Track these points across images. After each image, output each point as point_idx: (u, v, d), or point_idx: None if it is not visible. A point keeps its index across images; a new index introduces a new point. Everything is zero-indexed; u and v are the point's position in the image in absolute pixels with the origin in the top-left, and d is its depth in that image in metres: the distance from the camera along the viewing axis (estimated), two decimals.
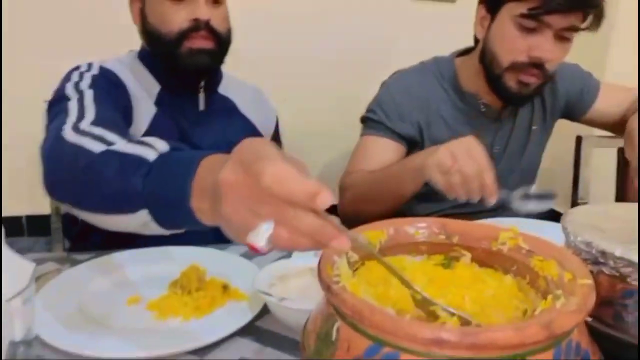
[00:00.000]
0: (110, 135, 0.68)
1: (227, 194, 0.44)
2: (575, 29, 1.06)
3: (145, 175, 0.57)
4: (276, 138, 1.29)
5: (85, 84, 0.95)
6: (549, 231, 0.99)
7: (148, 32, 1.07)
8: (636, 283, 0.51)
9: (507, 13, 1.08)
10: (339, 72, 2.52)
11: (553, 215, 3.08)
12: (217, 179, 0.45)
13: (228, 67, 1.18)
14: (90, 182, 0.63)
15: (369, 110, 1.25)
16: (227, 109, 1.19)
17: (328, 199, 0.40)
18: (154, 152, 0.59)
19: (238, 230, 0.45)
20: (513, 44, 1.08)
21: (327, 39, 2.46)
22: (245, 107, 1.22)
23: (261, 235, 0.42)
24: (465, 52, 1.25)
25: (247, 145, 0.45)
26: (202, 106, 1.13)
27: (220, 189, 0.44)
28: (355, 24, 2.47)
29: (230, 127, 1.16)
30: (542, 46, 1.06)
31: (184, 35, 1.02)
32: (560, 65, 1.26)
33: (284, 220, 0.42)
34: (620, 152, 1.46)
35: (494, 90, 1.16)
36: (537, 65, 1.08)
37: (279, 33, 2.39)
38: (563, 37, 1.07)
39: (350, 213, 1.15)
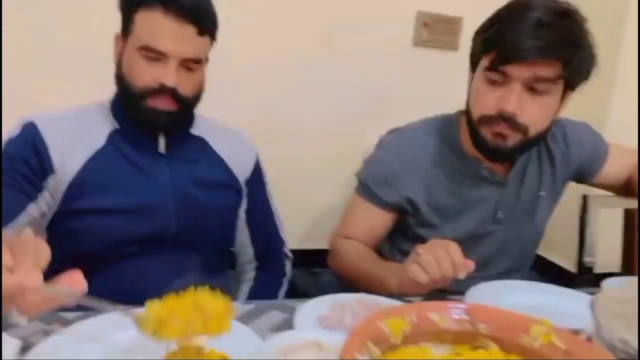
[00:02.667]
0: None
1: None
2: (546, 80, 1.01)
3: None
4: (254, 179, 1.25)
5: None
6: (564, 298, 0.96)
7: (119, 75, 1.07)
8: None
9: (479, 69, 1.08)
10: (338, 118, 2.50)
11: (557, 272, 2.92)
12: None
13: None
14: None
15: (361, 169, 1.23)
16: (197, 147, 1.16)
17: (36, 284, 0.49)
18: None
19: None
20: (482, 98, 1.07)
21: (327, 83, 2.45)
22: (219, 145, 1.19)
23: (14, 318, 0.50)
24: None
25: None
26: (162, 149, 1.10)
27: None
28: (355, 69, 2.46)
29: (199, 164, 1.14)
30: (507, 98, 1.02)
31: (148, 93, 1.02)
32: (572, 127, 1.24)
33: (16, 303, 0.49)
34: (627, 212, 1.44)
35: (476, 145, 1.13)
36: (506, 118, 1.04)
37: (278, 74, 2.38)
38: (536, 89, 1.02)
39: (338, 276, 1.17)
